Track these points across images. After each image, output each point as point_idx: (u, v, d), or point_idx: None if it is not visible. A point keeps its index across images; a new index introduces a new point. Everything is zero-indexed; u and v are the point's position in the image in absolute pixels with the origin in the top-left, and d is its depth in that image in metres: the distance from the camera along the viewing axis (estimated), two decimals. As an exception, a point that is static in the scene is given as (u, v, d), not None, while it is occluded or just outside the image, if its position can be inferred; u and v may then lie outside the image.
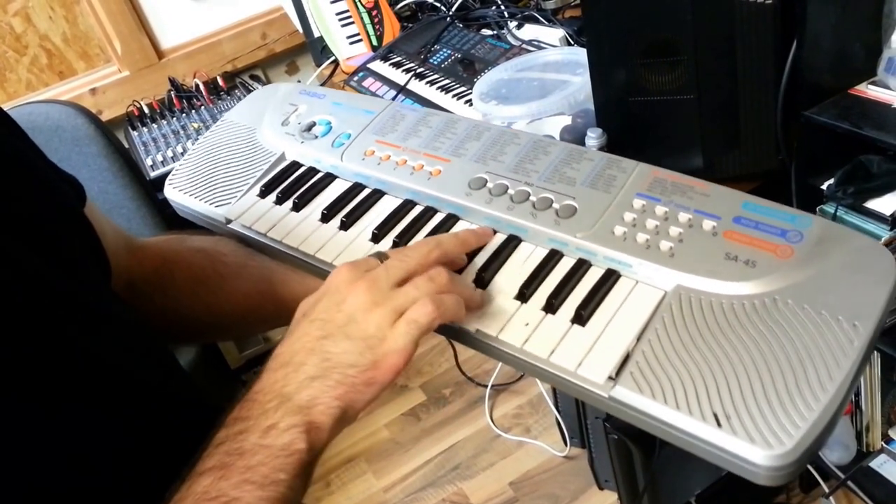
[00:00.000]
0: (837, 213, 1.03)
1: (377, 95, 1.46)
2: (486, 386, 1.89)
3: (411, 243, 0.63)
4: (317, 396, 0.49)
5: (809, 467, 1.38)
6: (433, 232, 0.64)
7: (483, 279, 0.58)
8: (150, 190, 1.49)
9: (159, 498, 0.48)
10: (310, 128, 0.75)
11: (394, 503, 1.73)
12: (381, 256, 0.55)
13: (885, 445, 1.33)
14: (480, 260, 0.59)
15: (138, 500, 0.50)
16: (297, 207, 0.69)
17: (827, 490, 1.38)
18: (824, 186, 1.04)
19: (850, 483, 1.32)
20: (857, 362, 0.46)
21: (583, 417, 1.59)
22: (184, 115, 1.77)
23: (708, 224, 0.55)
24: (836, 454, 1.34)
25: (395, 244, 0.63)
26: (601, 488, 1.63)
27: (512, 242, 0.60)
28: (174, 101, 1.79)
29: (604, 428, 1.40)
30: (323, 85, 1.66)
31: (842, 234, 0.53)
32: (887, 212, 0.98)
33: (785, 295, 0.50)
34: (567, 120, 1.10)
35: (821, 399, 0.45)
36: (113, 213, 1.44)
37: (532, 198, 0.61)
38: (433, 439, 1.85)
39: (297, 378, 0.50)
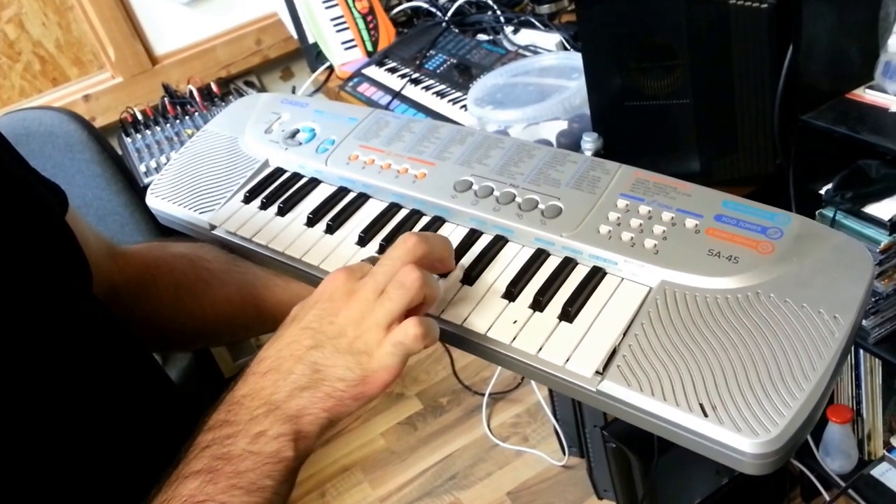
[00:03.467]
0: (836, 218, 1.02)
1: (372, 101, 1.45)
2: (483, 394, 1.88)
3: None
4: (306, 407, 0.49)
5: (810, 475, 1.37)
6: None
7: (470, 278, 0.58)
8: (144, 196, 1.48)
9: (142, 498, 0.48)
10: (293, 135, 0.75)
11: (390, 513, 1.72)
12: (374, 261, 0.55)
13: (886, 454, 1.32)
14: (468, 260, 0.60)
15: (121, 501, 0.50)
16: (281, 212, 0.69)
17: (828, 498, 1.37)
18: (823, 191, 1.03)
19: (851, 491, 1.30)
20: (839, 353, 0.47)
21: (581, 426, 1.57)
22: (177, 121, 1.76)
23: (690, 222, 0.56)
24: (837, 462, 1.33)
25: (382, 247, 0.63)
26: (600, 498, 1.62)
27: (498, 243, 0.61)
28: (168, 107, 1.79)
29: (602, 437, 1.38)
30: (318, 91, 1.65)
31: (820, 232, 0.55)
32: (886, 216, 0.98)
33: (767, 289, 0.51)
34: (563, 125, 1.10)
35: (804, 388, 0.46)
36: (106, 219, 1.43)
37: (518, 199, 0.62)
38: (430, 448, 1.83)
39: (285, 386, 0.50)
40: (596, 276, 0.56)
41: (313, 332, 0.51)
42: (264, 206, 0.70)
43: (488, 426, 1.84)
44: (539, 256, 0.59)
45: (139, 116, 1.78)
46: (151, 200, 0.77)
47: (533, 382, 1.83)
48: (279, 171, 0.73)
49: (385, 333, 0.50)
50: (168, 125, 1.76)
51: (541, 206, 0.60)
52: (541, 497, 1.67)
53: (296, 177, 0.72)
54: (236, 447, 0.47)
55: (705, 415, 0.46)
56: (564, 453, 1.70)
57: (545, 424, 1.79)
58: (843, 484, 1.31)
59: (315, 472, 1.84)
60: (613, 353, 0.51)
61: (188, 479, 0.46)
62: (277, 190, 0.71)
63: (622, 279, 0.55)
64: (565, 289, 0.56)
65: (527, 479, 1.71)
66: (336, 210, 0.67)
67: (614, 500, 1.47)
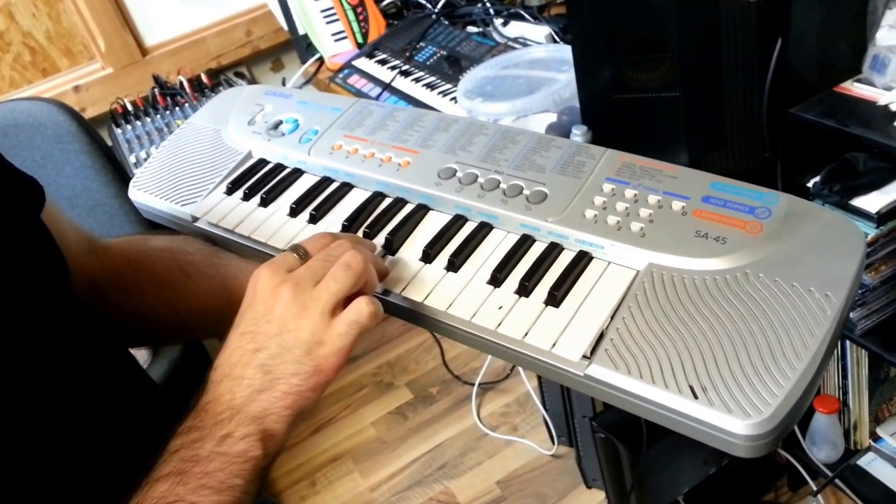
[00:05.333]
0: (823, 211, 1.02)
1: (362, 93, 1.45)
2: (473, 384, 1.89)
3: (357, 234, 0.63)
4: (267, 408, 0.50)
5: (797, 465, 1.38)
6: (403, 222, 0.63)
7: (455, 265, 0.58)
8: (134, 188, 1.47)
9: (116, 497, 0.48)
10: (276, 126, 0.75)
11: (380, 502, 1.73)
12: (298, 250, 0.55)
13: (872, 443, 1.33)
14: (452, 247, 0.60)
15: (97, 498, 0.51)
16: (264, 203, 0.69)
17: (815, 488, 1.38)
18: (810, 184, 1.04)
19: (837, 481, 1.32)
20: (831, 331, 0.47)
21: (570, 416, 1.58)
22: (168, 112, 1.75)
23: (677, 204, 0.56)
24: (823, 452, 1.34)
25: (366, 235, 0.63)
26: (589, 487, 1.63)
27: (483, 229, 0.61)
28: (158, 98, 1.77)
29: (591, 426, 1.39)
30: (308, 82, 1.65)
31: (810, 210, 0.54)
32: (873, 209, 0.98)
33: (756, 269, 0.50)
34: (552, 117, 1.10)
35: (796, 368, 0.45)
36: (95, 210, 1.42)
37: (502, 185, 0.62)
38: (420, 438, 1.84)
39: (241, 391, 0.50)
40: (582, 260, 0.56)
41: (252, 335, 0.51)
42: (247, 198, 0.70)
43: (478, 416, 1.84)
44: (524, 242, 0.58)
45: (129, 107, 1.76)
46: (134, 194, 0.77)
47: (522, 372, 1.83)
48: (262, 163, 0.73)
49: (331, 318, 0.50)
50: (158, 116, 1.75)
51: (526, 191, 0.60)
52: (530, 486, 1.68)
53: (279, 168, 0.72)
54: (204, 449, 0.48)
55: (695, 397, 0.45)
56: (553, 443, 1.71)
57: (534, 414, 1.80)
58: (829, 473, 1.32)
59: (305, 461, 1.85)
60: (601, 337, 0.50)
61: (158, 482, 0.47)
62: (260, 181, 0.71)
63: (609, 263, 0.55)
64: (551, 274, 0.55)
65: (516, 468, 1.72)
66: (319, 200, 0.67)
67: (603, 489, 1.48)
